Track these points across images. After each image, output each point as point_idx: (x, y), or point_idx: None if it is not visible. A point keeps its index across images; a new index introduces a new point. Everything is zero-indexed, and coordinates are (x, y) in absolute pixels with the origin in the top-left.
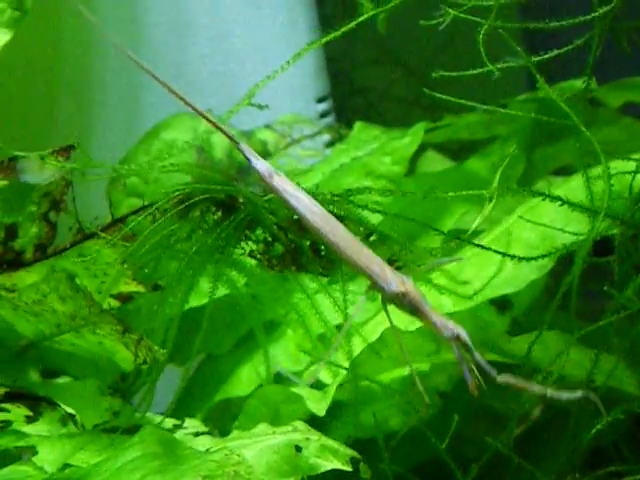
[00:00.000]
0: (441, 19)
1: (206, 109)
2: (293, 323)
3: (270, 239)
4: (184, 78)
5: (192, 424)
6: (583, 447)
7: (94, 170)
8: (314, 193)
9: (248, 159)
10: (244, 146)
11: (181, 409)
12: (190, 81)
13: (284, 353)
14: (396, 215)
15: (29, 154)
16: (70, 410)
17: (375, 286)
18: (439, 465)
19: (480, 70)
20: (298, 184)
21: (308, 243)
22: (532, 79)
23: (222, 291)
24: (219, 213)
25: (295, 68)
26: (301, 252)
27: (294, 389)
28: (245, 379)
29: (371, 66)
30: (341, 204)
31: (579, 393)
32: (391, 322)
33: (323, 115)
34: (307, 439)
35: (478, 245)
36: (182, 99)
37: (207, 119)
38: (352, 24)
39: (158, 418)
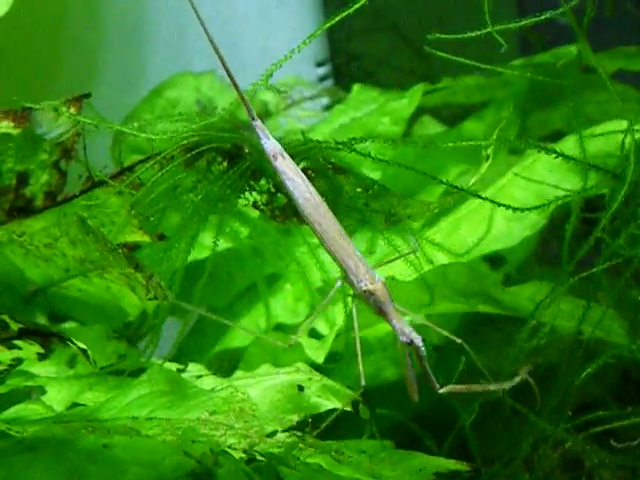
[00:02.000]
0: None
1: (210, 70)
2: (292, 277)
3: (273, 190)
4: (188, 39)
5: (195, 368)
6: (571, 398)
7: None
8: (321, 142)
9: (259, 136)
10: (258, 123)
11: (181, 360)
12: (194, 42)
13: (282, 306)
14: (398, 164)
15: (43, 104)
16: (82, 345)
17: (347, 279)
18: (430, 418)
19: (477, 33)
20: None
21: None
22: (525, 48)
23: (224, 244)
24: (225, 163)
25: (296, 32)
26: None
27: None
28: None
29: (368, 34)
30: (344, 154)
31: (518, 378)
32: (354, 320)
33: (322, 79)
34: (309, 379)
35: (478, 196)
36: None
37: (235, 85)
38: None
39: (157, 364)
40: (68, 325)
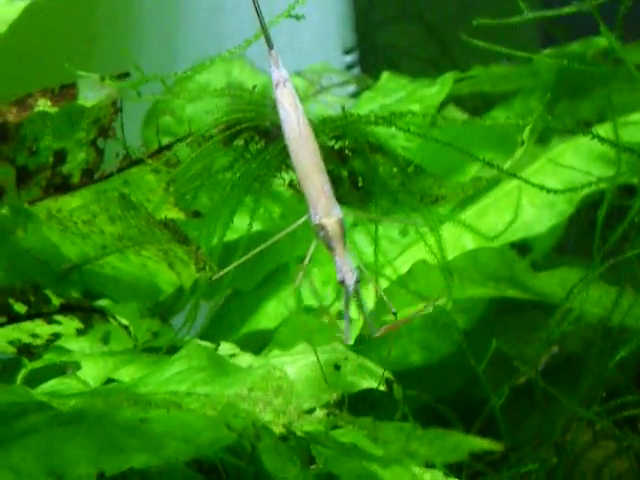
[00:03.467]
0: None
1: (239, 55)
2: (320, 260)
3: None
4: (219, 23)
5: (227, 347)
6: (600, 383)
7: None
8: (361, 116)
9: (271, 64)
10: (274, 53)
11: (207, 340)
12: (224, 26)
13: (309, 289)
14: (436, 140)
15: (90, 75)
16: (124, 322)
17: (307, 213)
18: (457, 401)
19: (501, 21)
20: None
21: (346, 174)
22: (547, 40)
23: (256, 226)
24: (262, 142)
25: (324, 19)
26: (339, 183)
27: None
28: (272, 312)
29: (393, 23)
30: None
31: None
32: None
33: (349, 67)
34: (345, 358)
35: (514, 175)
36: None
37: (257, 11)
38: None
39: (195, 340)
40: (102, 302)
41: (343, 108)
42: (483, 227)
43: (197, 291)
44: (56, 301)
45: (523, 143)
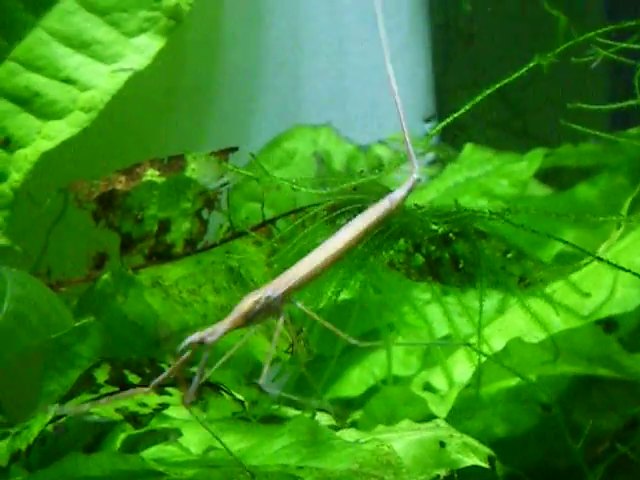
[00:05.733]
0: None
1: (324, 123)
2: (404, 330)
3: (411, 250)
4: (301, 91)
5: (323, 418)
6: None
7: None
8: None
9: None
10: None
11: (290, 406)
12: (306, 95)
13: (394, 358)
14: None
15: (192, 155)
16: (239, 397)
17: None
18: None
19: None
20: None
21: (448, 256)
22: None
23: (344, 295)
24: None
25: (406, 88)
26: (440, 264)
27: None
28: (356, 380)
29: (466, 90)
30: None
31: None
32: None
33: (429, 135)
34: (451, 436)
35: (599, 259)
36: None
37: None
38: None
39: (290, 411)
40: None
41: (456, 201)
42: (571, 302)
43: (299, 366)
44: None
45: (620, 226)
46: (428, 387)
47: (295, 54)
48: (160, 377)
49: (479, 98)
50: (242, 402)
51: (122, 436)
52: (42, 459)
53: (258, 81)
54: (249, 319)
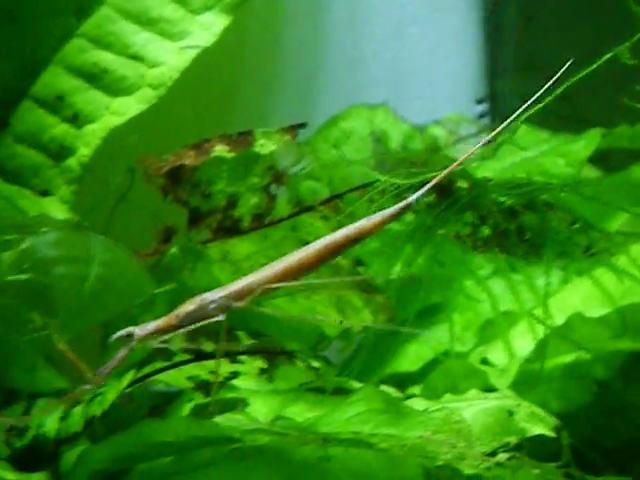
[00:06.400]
0: None
1: (381, 103)
2: (460, 306)
3: (478, 222)
4: (357, 73)
5: (388, 390)
6: None
7: None
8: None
9: None
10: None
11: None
12: (362, 76)
13: (448, 334)
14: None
15: (259, 131)
16: (315, 364)
17: None
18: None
19: None
20: None
21: (514, 228)
22: None
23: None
24: (433, 196)
25: (460, 69)
26: (505, 236)
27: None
28: (413, 355)
29: (517, 73)
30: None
31: None
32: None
33: (480, 116)
34: (518, 405)
35: None
36: None
37: None
38: None
39: (355, 383)
40: None
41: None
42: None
43: (369, 337)
44: (246, 341)
45: None
46: (485, 362)
47: (353, 35)
48: (105, 368)
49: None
50: (317, 370)
51: (188, 405)
52: (107, 429)
53: (317, 62)
54: (181, 320)
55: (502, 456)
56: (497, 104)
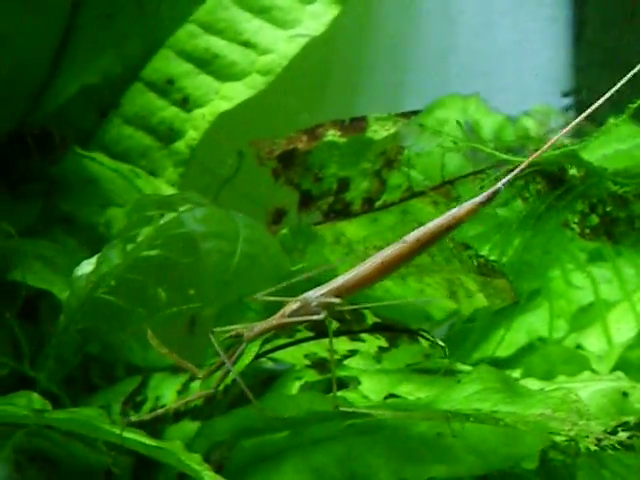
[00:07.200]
0: None
1: (473, 93)
2: (553, 294)
3: (587, 210)
4: (447, 63)
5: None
6: None
7: None
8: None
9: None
10: None
11: None
12: (452, 67)
13: (542, 321)
14: None
15: (372, 116)
16: (440, 343)
17: None
18: None
19: None
20: None
21: (624, 216)
22: None
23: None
24: (542, 184)
25: (546, 62)
26: (616, 224)
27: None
28: (506, 340)
29: (598, 68)
30: None
31: None
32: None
33: (566, 109)
34: (633, 387)
35: None
36: None
37: None
38: None
39: (461, 365)
40: None
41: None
42: None
43: (480, 318)
44: (370, 320)
45: None
46: (580, 348)
47: (445, 26)
48: (209, 370)
49: None
50: (443, 348)
51: (297, 383)
52: (213, 407)
53: (408, 53)
54: (287, 321)
55: (622, 434)
56: (582, 97)
